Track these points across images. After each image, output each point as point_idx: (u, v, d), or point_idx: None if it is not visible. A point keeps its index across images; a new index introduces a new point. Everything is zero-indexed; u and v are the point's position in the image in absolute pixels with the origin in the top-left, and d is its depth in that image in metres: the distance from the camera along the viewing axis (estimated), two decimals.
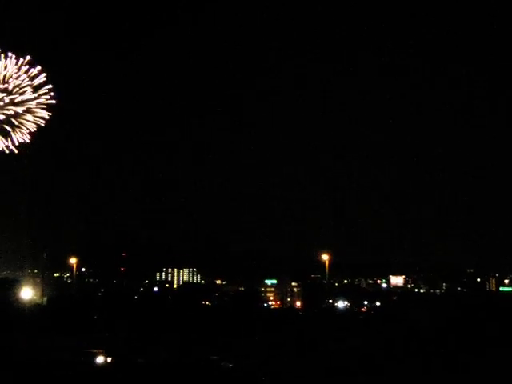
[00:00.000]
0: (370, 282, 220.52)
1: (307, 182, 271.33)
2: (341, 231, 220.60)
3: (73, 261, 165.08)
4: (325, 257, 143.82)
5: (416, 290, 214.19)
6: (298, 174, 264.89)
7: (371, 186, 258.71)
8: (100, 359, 61.69)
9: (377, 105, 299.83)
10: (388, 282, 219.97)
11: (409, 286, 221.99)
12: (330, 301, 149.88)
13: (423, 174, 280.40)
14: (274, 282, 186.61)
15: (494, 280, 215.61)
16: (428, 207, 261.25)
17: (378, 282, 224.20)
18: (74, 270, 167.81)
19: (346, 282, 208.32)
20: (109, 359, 62.20)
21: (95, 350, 64.24)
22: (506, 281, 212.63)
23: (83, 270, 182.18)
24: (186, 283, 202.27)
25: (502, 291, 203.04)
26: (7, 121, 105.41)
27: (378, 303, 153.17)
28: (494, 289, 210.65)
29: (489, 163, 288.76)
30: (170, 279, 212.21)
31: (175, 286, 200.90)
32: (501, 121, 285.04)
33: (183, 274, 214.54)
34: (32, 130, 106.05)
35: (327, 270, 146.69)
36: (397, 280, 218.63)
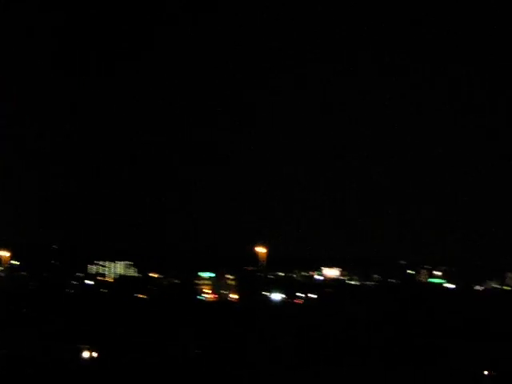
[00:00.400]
0: (305, 274, 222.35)
1: (307, 181, 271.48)
2: (276, 226, 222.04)
3: (3, 253, 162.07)
4: (260, 250, 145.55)
5: (350, 281, 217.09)
6: (298, 174, 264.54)
7: (371, 185, 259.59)
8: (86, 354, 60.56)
9: (377, 105, 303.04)
10: (322, 274, 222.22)
11: (342, 277, 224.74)
12: (266, 293, 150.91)
13: (423, 174, 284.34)
14: (210, 274, 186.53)
15: (424, 271, 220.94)
16: (429, 207, 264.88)
17: (312, 273, 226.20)
18: (4, 262, 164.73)
19: (281, 274, 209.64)
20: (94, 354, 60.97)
21: (81, 346, 63.07)
22: (438, 272, 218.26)
23: (14, 262, 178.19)
24: (121, 276, 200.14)
25: (431, 282, 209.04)
26: None
27: (313, 295, 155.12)
28: (424, 280, 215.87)
29: (489, 163, 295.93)
30: (104, 272, 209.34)
31: (109, 279, 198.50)
32: (501, 121, 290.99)
33: (118, 267, 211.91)
34: None
35: (262, 263, 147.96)
36: (331, 272, 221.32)
